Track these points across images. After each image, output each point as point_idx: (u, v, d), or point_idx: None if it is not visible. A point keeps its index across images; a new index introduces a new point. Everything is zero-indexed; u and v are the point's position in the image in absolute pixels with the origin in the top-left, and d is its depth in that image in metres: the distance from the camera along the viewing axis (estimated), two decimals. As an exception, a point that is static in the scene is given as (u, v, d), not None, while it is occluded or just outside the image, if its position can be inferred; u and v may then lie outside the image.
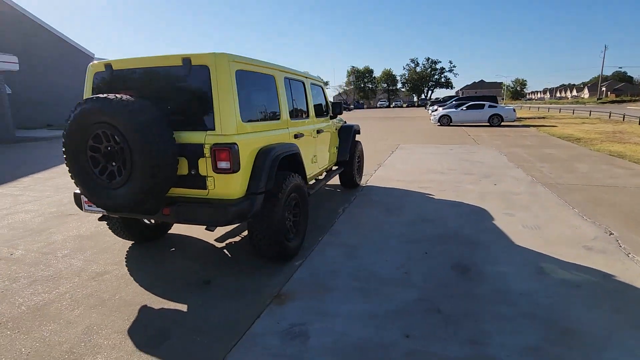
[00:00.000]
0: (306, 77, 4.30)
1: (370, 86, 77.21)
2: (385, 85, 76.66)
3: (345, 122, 6.14)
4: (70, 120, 2.54)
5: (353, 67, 75.37)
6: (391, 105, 69.73)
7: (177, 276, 3.13)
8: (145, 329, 2.41)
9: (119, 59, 2.96)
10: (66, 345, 2.23)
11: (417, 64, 73.04)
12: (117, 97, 2.44)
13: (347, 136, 5.61)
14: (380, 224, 4.30)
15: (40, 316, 2.55)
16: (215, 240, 3.94)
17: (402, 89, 77.91)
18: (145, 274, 3.18)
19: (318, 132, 4.41)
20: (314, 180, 4.54)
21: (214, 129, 2.64)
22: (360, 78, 75.73)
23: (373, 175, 7.19)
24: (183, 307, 2.65)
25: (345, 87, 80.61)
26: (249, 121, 2.90)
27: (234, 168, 2.62)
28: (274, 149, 3.04)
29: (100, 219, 3.15)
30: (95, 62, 3.03)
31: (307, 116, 4.19)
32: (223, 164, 2.60)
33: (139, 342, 2.26)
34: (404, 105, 67.83)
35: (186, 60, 2.66)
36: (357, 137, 6.12)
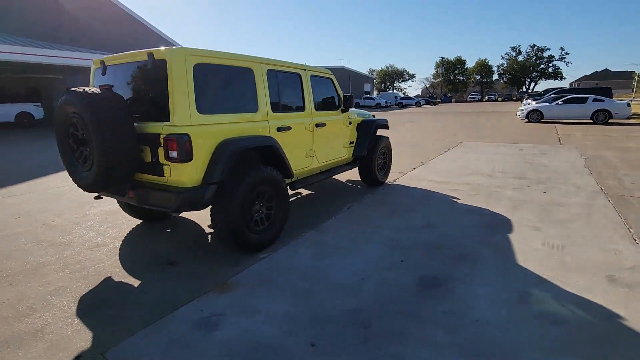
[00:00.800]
0: (304, 70, 4.21)
1: (461, 78, 71.54)
2: (478, 77, 70.21)
3: (372, 116, 5.87)
4: (56, 109, 2.94)
5: (442, 57, 70.72)
6: (484, 99, 63.71)
7: (153, 255, 3.41)
8: (95, 296, 2.70)
9: (111, 55, 3.32)
10: (31, 301, 2.64)
11: (519, 52, 65.12)
12: (83, 90, 2.75)
13: (367, 131, 5.36)
14: (377, 227, 4.03)
15: (32, 274, 3.05)
16: (209, 226, 4.18)
17: (500, 81, 70.45)
18: (129, 250, 3.54)
19: (318, 125, 4.31)
20: (318, 174, 4.49)
21: (169, 120, 2.79)
22: (450, 70, 70.68)
23: (408, 173, 6.73)
24: (136, 283, 2.89)
25: (432, 80, 76.28)
26: (210, 113, 2.98)
27: (183, 158, 2.74)
28: (236, 142, 3.08)
29: (95, 198, 3.59)
30: (96, 58, 3.44)
31: (303, 109, 4.12)
32: (173, 154, 2.73)
33: (82, 307, 2.55)
34: (499, 98, 61.28)
35: (150, 55, 2.85)
36: (389, 132, 5.79)
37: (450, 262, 3.15)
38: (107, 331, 2.28)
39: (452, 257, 3.24)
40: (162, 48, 2.81)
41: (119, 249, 3.55)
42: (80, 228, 4.16)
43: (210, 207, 3.10)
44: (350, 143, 5.18)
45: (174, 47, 2.81)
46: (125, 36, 23.45)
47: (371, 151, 5.46)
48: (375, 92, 68.45)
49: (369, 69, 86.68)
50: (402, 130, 14.58)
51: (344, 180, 6.36)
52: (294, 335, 2.21)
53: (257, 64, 3.49)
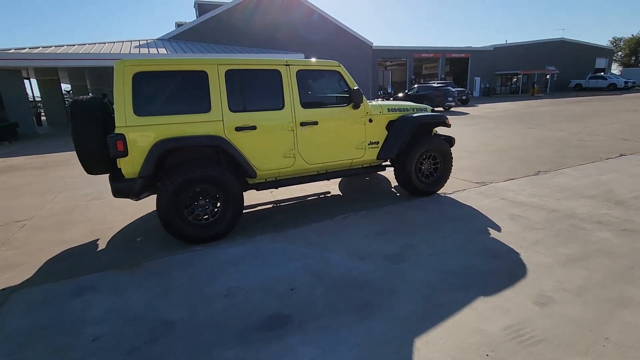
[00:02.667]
0: (287, 65, 3.93)
1: None
2: None
3: (427, 111, 4.86)
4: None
5: None
6: None
7: (136, 230, 4.16)
8: (54, 259, 3.65)
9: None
10: (16, 252, 3.85)
11: None
12: (75, 98, 3.66)
13: (402, 130, 4.50)
14: (320, 249, 3.46)
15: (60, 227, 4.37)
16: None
17: None
18: (121, 226, 4.35)
19: (305, 124, 3.99)
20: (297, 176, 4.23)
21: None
22: None
23: (490, 185, 5.18)
24: (96, 248, 3.71)
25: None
26: (148, 115, 3.37)
27: (117, 154, 3.26)
28: (169, 141, 3.37)
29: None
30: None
31: (280, 107, 3.91)
32: (113, 150, 3.30)
33: (31, 263, 3.53)
34: None
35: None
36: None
37: (386, 292, 2.48)
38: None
39: (354, 305, 2.52)
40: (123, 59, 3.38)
41: (116, 224, 4.42)
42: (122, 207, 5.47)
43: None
44: (372, 143, 4.49)
45: (124, 59, 3.33)
46: (325, 37, 26.73)
47: (405, 154, 4.56)
48: (616, 69, 51.40)
49: (613, 38, 65.43)
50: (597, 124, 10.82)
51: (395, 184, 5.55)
52: (118, 326, 2.42)
53: (213, 66, 3.60)
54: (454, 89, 20.68)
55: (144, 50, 18.28)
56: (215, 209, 3.69)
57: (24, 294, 2.86)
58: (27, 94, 17.60)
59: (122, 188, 3.39)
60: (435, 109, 19.55)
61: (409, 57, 32.79)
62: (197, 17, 25.05)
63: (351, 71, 23.11)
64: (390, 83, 42.43)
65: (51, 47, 17.04)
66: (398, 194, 5.03)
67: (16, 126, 14.77)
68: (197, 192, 3.57)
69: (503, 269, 2.87)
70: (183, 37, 23.26)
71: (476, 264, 2.98)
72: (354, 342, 2.14)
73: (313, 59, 4.20)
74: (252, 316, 2.45)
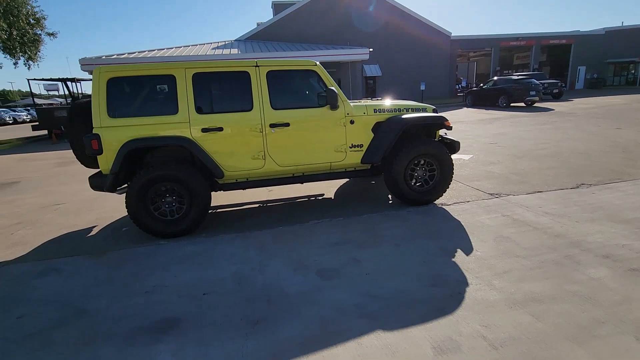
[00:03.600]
0: (256, 66, 3.86)
1: None
2: None
3: (410, 112, 4.39)
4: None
5: None
6: None
7: (124, 223, 4.52)
8: (52, 241, 4.20)
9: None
10: (33, 232, 4.48)
11: None
12: (76, 100, 4.14)
13: (388, 133, 4.13)
14: (304, 253, 3.38)
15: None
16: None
17: None
18: (121, 215, 4.79)
19: (275, 125, 3.91)
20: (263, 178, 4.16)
21: (96, 123, 3.74)
22: None
23: (505, 197, 4.45)
24: (84, 235, 4.17)
25: None
26: (121, 117, 3.65)
27: (92, 152, 3.62)
28: (137, 141, 3.61)
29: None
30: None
31: (249, 109, 3.88)
32: (88, 149, 3.66)
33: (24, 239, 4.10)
34: None
35: (95, 72, 3.84)
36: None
37: (238, 322, 2.40)
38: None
39: (249, 320, 2.43)
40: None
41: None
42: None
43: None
44: (354, 146, 4.20)
45: (99, 67, 3.67)
46: (398, 29, 25.87)
47: (392, 158, 4.17)
48: None
49: None
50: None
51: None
52: (43, 309, 2.74)
53: (181, 70, 3.73)
54: (539, 82, 18.11)
55: (219, 52, 19.82)
56: (182, 207, 3.86)
57: (5, 269, 3.38)
58: None
59: (97, 182, 3.76)
60: (513, 104, 17.44)
61: (494, 46, 29.67)
62: (273, 17, 26.22)
63: (427, 64, 22.50)
64: (475, 75, 39.02)
65: (144, 51, 19.57)
66: (391, 202, 4.64)
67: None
68: (163, 189, 3.78)
69: (434, 301, 2.45)
70: (259, 36, 24.63)
71: (411, 290, 2.60)
72: (216, 359, 2.06)
73: (288, 58, 4.09)
74: (152, 316, 2.52)
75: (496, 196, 4.53)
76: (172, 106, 3.74)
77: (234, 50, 20.14)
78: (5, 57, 13.57)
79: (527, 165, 5.96)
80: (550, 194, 4.50)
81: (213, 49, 20.88)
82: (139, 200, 3.69)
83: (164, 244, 3.74)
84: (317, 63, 4.04)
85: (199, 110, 3.78)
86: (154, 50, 19.89)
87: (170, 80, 3.73)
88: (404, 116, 4.19)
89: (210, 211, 4.77)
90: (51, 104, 27.96)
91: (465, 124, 12.35)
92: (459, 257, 3.03)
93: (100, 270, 3.24)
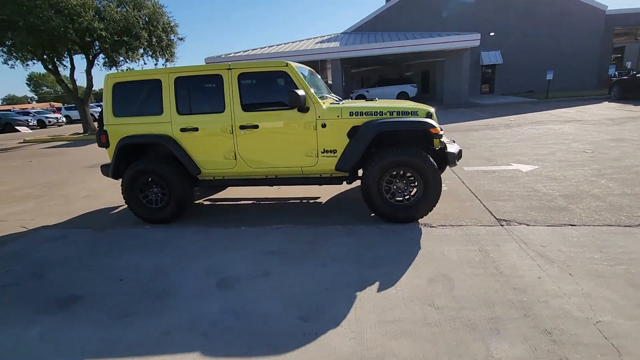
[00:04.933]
0: (228, 69, 3.91)
1: None
2: None
3: (398, 115, 3.84)
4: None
5: None
6: None
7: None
8: (85, 214, 5.15)
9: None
10: (83, 205, 5.53)
11: None
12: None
13: (361, 138, 3.75)
14: (231, 256, 3.48)
15: (135, 193, 5.99)
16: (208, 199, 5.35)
17: None
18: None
19: (245, 127, 3.97)
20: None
21: (108, 122, 4.46)
22: None
23: (509, 226, 3.55)
24: (109, 212, 5.02)
25: None
26: (122, 116, 4.26)
27: (101, 144, 4.36)
28: (128, 138, 4.18)
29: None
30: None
31: (222, 110, 4.00)
32: (98, 142, 4.41)
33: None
34: None
35: (109, 77, 4.53)
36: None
37: (114, 307, 2.67)
38: None
39: (119, 309, 2.66)
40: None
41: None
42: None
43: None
44: (326, 151, 3.93)
45: (108, 73, 4.33)
46: (533, 8, 22.29)
47: (365, 167, 3.78)
48: None
49: None
50: None
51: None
52: (27, 267, 3.54)
53: (165, 74, 4.10)
54: None
55: (319, 45, 20.48)
56: (164, 198, 4.32)
57: (38, 232, 4.41)
58: None
59: (105, 170, 4.51)
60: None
61: (673, 20, 22.47)
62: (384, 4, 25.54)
63: (565, 48, 19.48)
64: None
65: (256, 49, 21.67)
66: (372, 214, 4.19)
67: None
68: (149, 181, 4.29)
69: (278, 336, 2.21)
70: (367, 27, 24.40)
71: (273, 316, 2.40)
72: (56, 338, 2.34)
73: (259, 61, 4.05)
74: (69, 291, 2.96)
75: (501, 224, 3.63)
76: (158, 107, 4.18)
77: (335, 44, 20.49)
78: (148, 60, 16.94)
79: (599, 187, 4.52)
80: (582, 229, 3.36)
81: (317, 43, 21.67)
82: (130, 188, 4.29)
83: (148, 228, 4.27)
84: (289, 63, 3.90)
85: (179, 111, 4.12)
86: (264, 47, 21.82)
87: (158, 84, 4.16)
88: (379, 121, 3.71)
89: (210, 202, 5.18)
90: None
91: (578, 123, 9.93)
92: (366, 292, 2.61)
93: (89, 243, 3.93)
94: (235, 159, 4.11)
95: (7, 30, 12.98)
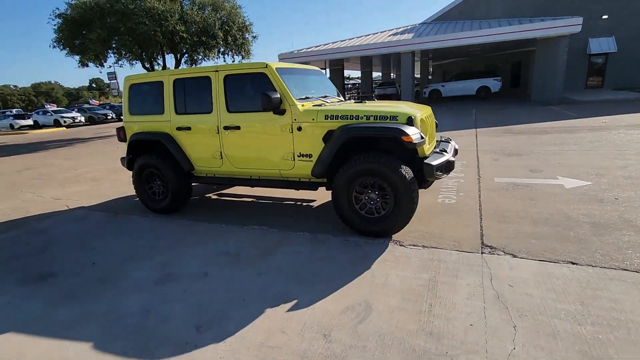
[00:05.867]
0: (216, 71, 3.98)
1: None
2: None
3: (376, 120, 3.50)
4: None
5: None
6: None
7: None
8: (114, 199, 5.80)
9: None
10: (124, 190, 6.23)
11: None
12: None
13: (332, 144, 3.55)
14: (183, 251, 3.65)
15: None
16: (215, 194, 5.62)
17: None
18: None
19: (228, 128, 4.05)
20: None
21: (131, 118, 4.98)
22: None
23: (494, 255, 3.00)
24: (132, 198, 5.61)
25: None
26: (135, 115, 4.71)
27: (120, 139, 4.90)
28: (136, 134, 4.62)
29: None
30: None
31: (210, 111, 4.13)
32: (118, 137, 4.96)
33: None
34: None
35: (135, 78, 5.02)
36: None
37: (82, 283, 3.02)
38: None
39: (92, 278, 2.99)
40: (129, 76, 4.90)
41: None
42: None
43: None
44: (302, 155, 3.80)
45: (126, 76, 4.80)
46: None
47: (335, 175, 3.56)
48: None
49: None
50: None
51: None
52: (38, 239, 4.20)
53: (166, 76, 4.38)
54: None
55: (390, 38, 19.67)
56: (165, 190, 4.68)
57: (72, 212, 5.16)
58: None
59: (122, 161, 5.05)
60: None
61: None
62: (469, -8, 23.34)
63: None
64: None
65: (328, 44, 21.79)
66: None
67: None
68: (152, 174, 4.69)
69: (160, 340, 2.24)
70: (449, 17, 22.67)
71: (178, 321, 2.44)
72: (11, 308, 2.73)
73: (242, 62, 4.04)
74: (50, 268, 3.42)
75: (483, 251, 3.07)
76: (161, 107, 4.51)
77: (408, 36, 19.47)
78: (227, 58, 18.32)
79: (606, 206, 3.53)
80: (582, 270, 2.65)
81: (390, 35, 20.86)
82: (138, 180, 4.75)
83: (150, 217, 4.69)
84: (268, 65, 3.83)
85: (176, 111, 4.40)
86: (336, 42, 21.82)
87: (161, 85, 4.48)
88: (349, 126, 3.43)
89: (217, 197, 5.44)
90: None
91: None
92: (275, 310, 2.48)
93: (97, 226, 4.49)
94: (222, 158, 4.23)
95: (114, 35, 15.29)
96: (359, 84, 35.36)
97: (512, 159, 6.34)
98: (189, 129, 4.31)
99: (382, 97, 26.16)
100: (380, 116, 3.46)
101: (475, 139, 8.73)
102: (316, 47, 21.53)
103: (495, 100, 18.85)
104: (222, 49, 17.74)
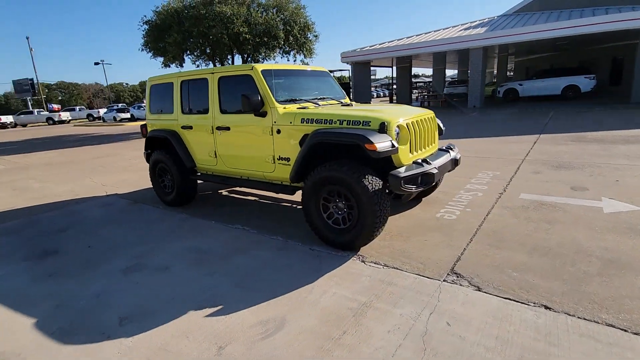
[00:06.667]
0: (212, 73, 4.09)
1: None
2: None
3: (348, 125, 3.29)
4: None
5: None
6: None
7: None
8: (144, 189, 6.32)
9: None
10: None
11: None
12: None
13: (304, 147, 3.45)
14: (160, 246, 3.87)
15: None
16: (223, 191, 5.83)
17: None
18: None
19: (220, 129, 4.17)
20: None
21: (154, 117, 5.42)
22: None
23: (457, 286, 2.63)
24: (163, 190, 6.09)
25: None
26: (154, 114, 5.11)
27: (143, 135, 5.37)
28: (150, 132, 5.02)
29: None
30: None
31: (207, 111, 4.28)
32: (141, 133, 5.43)
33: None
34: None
35: (161, 80, 5.43)
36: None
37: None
38: (125, 194, 6.05)
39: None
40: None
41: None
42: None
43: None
44: (281, 159, 3.74)
45: (149, 77, 5.21)
46: None
47: (306, 182, 3.45)
48: None
49: None
50: None
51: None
52: (63, 220, 4.82)
53: (176, 78, 4.66)
54: None
55: (460, 33, 18.26)
56: (173, 184, 5.01)
57: (107, 198, 5.81)
58: (369, 81, 23.19)
59: (145, 155, 5.52)
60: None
61: None
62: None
63: None
64: None
65: (393, 41, 21.06)
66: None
67: (353, 104, 20.28)
68: (164, 169, 5.04)
69: (77, 327, 2.40)
70: (536, 7, 20.29)
71: (108, 312, 2.60)
72: (6, 280, 3.18)
73: (233, 65, 4.08)
74: (59, 246, 3.91)
75: (447, 278, 2.69)
76: (171, 107, 4.83)
77: (480, 30, 17.87)
78: (287, 59, 18.87)
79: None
80: (556, 318, 2.16)
81: (461, 30, 19.40)
82: (152, 173, 5.16)
83: (160, 208, 5.07)
84: (254, 67, 3.83)
85: (182, 110, 4.66)
86: (402, 39, 21.00)
87: (171, 86, 4.79)
88: (318, 131, 3.27)
89: (227, 193, 5.65)
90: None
91: None
92: (197, 313, 2.49)
93: (115, 213, 5.00)
94: (216, 157, 4.39)
95: (189, 38, 16.79)
96: (429, 82, 33.59)
97: (558, 172, 5.44)
98: (191, 127, 4.54)
99: (452, 96, 24.54)
100: (352, 121, 3.25)
101: (532, 146, 7.68)
102: (380, 44, 20.99)
103: (585, 101, 16.30)
104: (284, 49, 18.28)
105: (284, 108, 3.72)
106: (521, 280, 2.61)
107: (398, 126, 3.20)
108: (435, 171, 3.19)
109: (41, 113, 34.45)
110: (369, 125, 3.16)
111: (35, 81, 39.67)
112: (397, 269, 2.90)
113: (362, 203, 3.02)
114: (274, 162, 3.81)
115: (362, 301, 2.48)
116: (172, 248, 3.64)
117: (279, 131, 3.69)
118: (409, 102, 24.90)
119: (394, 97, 28.05)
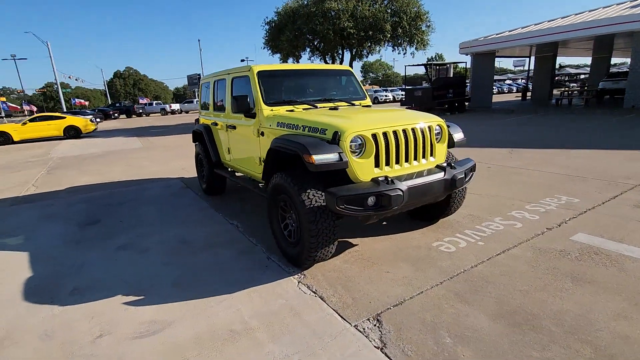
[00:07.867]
0: (229, 74, 4.24)
1: None
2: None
3: (313, 132, 3.04)
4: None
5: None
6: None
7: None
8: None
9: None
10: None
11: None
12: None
13: (267, 153, 3.36)
14: (145, 229, 4.30)
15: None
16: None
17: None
18: None
19: (229, 127, 4.35)
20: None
21: (206, 111, 6.01)
22: None
23: (397, 310, 2.20)
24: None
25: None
26: (202, 109, 5.65)
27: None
28: (196, 126, 5.58)
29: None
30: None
31: (224, 110, 4.49)
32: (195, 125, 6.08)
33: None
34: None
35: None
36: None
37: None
38: (189, 178, 6.92)
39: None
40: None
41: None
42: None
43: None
44: (263, 161, 3.69)
45: (204, 76, 5.73)
46: None
47: (268, 184, 3.35)
48: None
49: None
50: None
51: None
52: (100, 200, 5.81)
53: (212, 78, 5.03)
54: None
55: (624, 12, 14.17)
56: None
57: (174, 180, 6.74)
58: (492, 73, 20.12)
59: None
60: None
61: None
62: None
63: None
64: None
65: (517, 29, 17.82)
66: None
67: (467, 100, 18.15)
68: (201, 160, 5.56)
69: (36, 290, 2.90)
70: None
71: (63, 282, 3.07)
72: (37, 235, 4.08)
73: (244, 66, 4.11)
74: (104, 218, 4.77)
75: (364, 325, 2.23)
76: (208, 104, 5.26)
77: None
78: (398, 51, 18.07)
79: None
80: None
81: (628, 7, 15.08)
82: (196, 163, 5.77)
83: (198, 194, 5.64)
84: (251, 68, 3.83)
85: (214, 108, 5.04)
86: (529, 26, 17.62)
87: (209, 85, 5.20)
88: (279, 137, 3.09)
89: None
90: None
91: None
92: (114, 299, 2.72)
93: (165, 195, 5.77)
94: (229, 153, 4.61)
95: (300, 36, 17.81)
96: (577, 75, 27.14)
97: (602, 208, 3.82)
98: (216, 124, 4.88)
99: (606, 92, 19.50)
100: (313, 128, 2.97)
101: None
102: (510, 31, 18.08)
103: None
104: (395, 41, 17.58)
105: (271, 110, 3.64)
106: (449, 352, 1.98)
107: (361, 136, 2.77)
108: (396, 193, 2.63)
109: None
110: (325, 134, 2.84)
111: (201, 76, 48.46)
112: (322, 299, 2.56)
113: (301, 219, 2.75)
114: (260, 164, 3.79)
115: (251, 326, 2.29)
116: (167, 234, 4.02)
117: (262, 133, 3.64)
118: (547, 99, 20.85)
119: (527, 94, 23.90)
